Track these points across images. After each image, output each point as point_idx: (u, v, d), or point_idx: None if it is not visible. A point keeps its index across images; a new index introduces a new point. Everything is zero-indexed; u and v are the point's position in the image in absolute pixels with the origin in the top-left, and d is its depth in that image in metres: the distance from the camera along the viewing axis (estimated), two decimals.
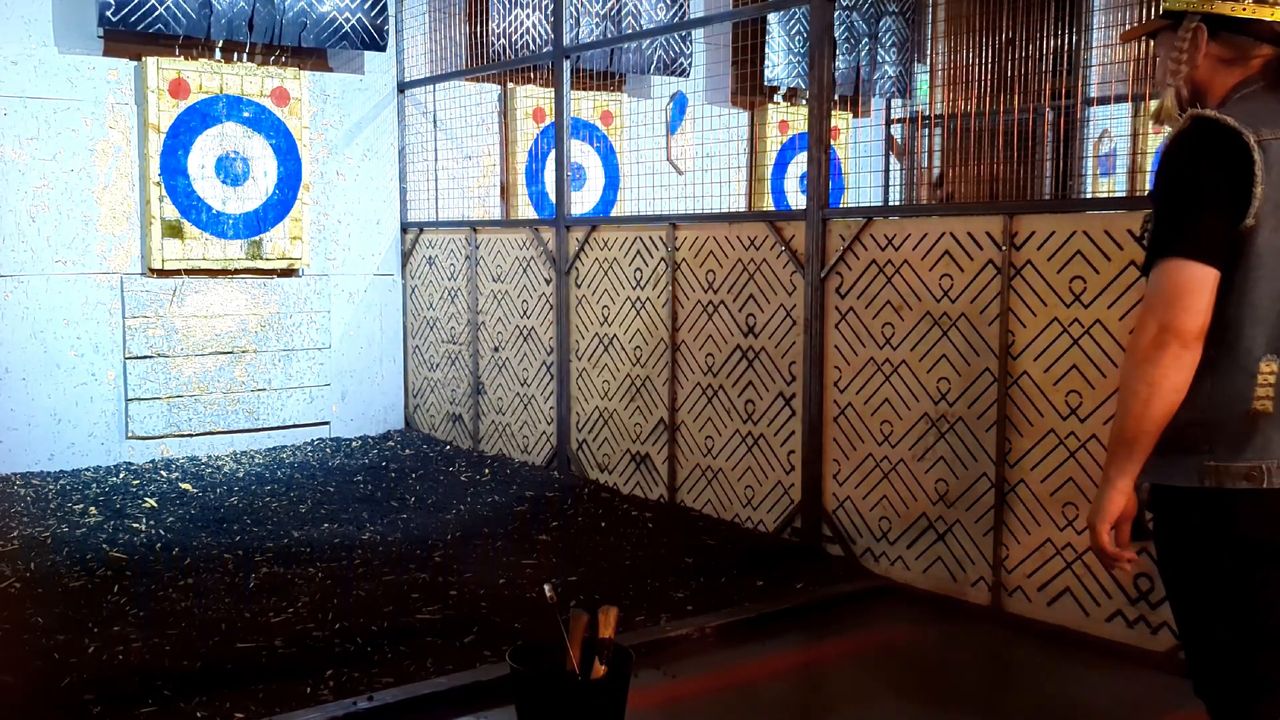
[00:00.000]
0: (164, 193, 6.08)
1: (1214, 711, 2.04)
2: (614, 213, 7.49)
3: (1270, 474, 1.88)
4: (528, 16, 7.02)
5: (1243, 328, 1.88)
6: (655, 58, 7.54)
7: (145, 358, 6.11)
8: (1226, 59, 2.01)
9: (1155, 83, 2.21)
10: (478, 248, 6.49)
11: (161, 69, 6.02)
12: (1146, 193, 4.27)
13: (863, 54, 8.48)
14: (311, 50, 6.64)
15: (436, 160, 7.05)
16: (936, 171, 8.15)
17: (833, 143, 4.73)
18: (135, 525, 4.87)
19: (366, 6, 6.54)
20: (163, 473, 5.86)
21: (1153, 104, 2.96)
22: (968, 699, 3.33)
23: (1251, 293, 1.87)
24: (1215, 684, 2.01)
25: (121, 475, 5.81)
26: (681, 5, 7.57)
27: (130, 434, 6.12)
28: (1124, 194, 7.11)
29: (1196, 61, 2.03)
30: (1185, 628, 2.06)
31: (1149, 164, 7.65)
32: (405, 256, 7.14)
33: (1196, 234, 1.84)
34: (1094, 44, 7.85)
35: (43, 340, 5.88)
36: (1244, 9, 1.97)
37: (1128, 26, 7.22)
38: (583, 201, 7.37)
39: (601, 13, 7.24)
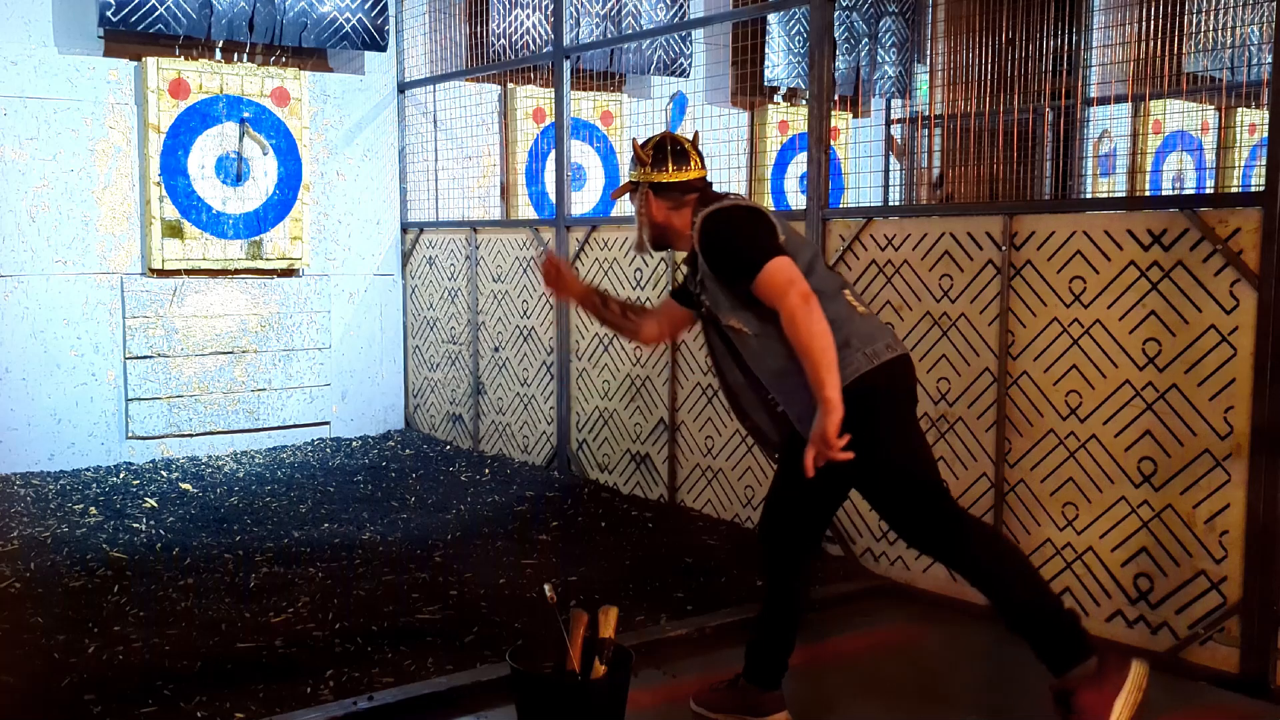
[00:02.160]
0: (164, 193, 6.08)
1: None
2: (614, 213, 7.49)
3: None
4: (528, 16, 7.03)
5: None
6: (655, 58, 7.54)
7: (145, 358, 6.11)
8: (670, 207, 3.01)
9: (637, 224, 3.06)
10: (478, 248, 6.49)
11: (161, 69, 6.02)
12: (1147, 194, 4.27)
13: (863, 54, 8.48)
14: (312, 50, 6.64)
15: (436, 160, 7.06)
16: (936, 171, 8.16)
17: (833, 143, 4.73)
18: (135, 525, 4.87)
19: (366, 7, 6.54)
20: (163, 473, 5.87)
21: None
22: (968, 699, 3.33)
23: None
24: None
25: (121, 475, 5.81)
26: (681, 5, 7.57)
27: (130, 434, 6.12)
28: (1124, 194, 7.12)
29: (650, 211, 3.02)
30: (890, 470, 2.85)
31: (1149, 164, 7.66)
32: (405, 256, 7.14)
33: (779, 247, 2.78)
34: (1094, 44, 7.85)
35: (43, 340, 5.88)
36: (666, 176, 2.99)
37: (1128, 27, 7.22)
38: (583, 201, 7.37)
39: (601, 13, 7.24)
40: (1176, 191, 7.65)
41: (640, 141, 3.08)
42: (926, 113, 8.36)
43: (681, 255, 3.44)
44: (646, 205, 3.03)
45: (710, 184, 3.06)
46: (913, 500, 2.83)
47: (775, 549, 3.03)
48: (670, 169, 3.00)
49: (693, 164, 3.02)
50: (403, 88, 7.05)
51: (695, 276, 3.00)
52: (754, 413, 3.02)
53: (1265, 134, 3.26)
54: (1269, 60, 3.28)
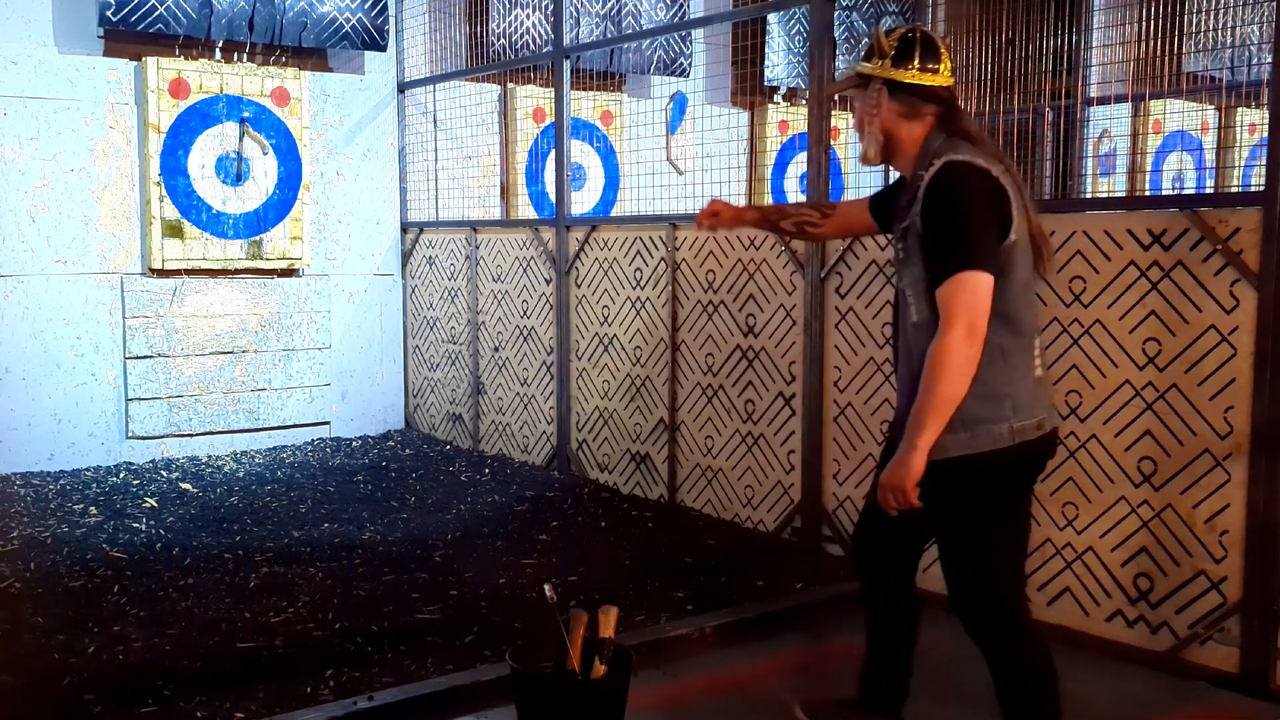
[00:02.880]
0: (164, 193, 6.08)
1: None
2: (614, 213, 7.49)
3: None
4: (528, 16, 7.02)
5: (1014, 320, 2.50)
6: (655, 58, 7.54)
7: (145, 358, 6.11)
8: (903, 114, 2.60)
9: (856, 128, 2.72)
10: (478, 248, 6.49)
11: (161, 69, 6.02)
12: (1148, 194, 4.26)
13: (863, 54, 8.48)
14: (312, 50, 6.64)
15: (436, 160, 7.06)
16: None
17: (833, 143, 4.73)
18: (135, 525, 4.87)
19: (366, 6, 6.54)
20: (163, 473, 5.86)
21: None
22: (969, 699, 3.33)
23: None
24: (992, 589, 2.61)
25: (121, 475, 5.81)
26: (681, 5, 7.57)
27: (130, 434, 6.12)
28: (1124, 194, 7.11)
29: (882, 115, 2.61)
30: (965, 550, 2.63)
31: (1149, 164, 7.66)
32: (405, 256, 7.14)
33: (990, 251, 2.43)
34: (1094, 44, 7.85)
35: (43, 340, 5.88)
36: (910, 76, 2.58)
37: (1128, 27, 7.22)
38: (583, 201, 7.37)
39: (601, 13, 7.24)
40: (1176, 191, 7.64)
41: (884, 30, 2.64)
42: None
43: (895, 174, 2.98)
44: (878, 107, 2.59)
45: (956, 101, 2.61)
46: (980, 580, 2.60)
47: (869, 555, 2.91)
48: (915, 67, 2.55)
49: (944, 68, 2.57)
50: (403, 87, 7.05)
51: (909, 210, 2.53)
52: (900, 386, 2.68)
53: (1265, 134, 3.26)
54: (1269, 60, 3.28)
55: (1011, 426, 2.46)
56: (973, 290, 2.36)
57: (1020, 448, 2.48)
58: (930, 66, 2.57)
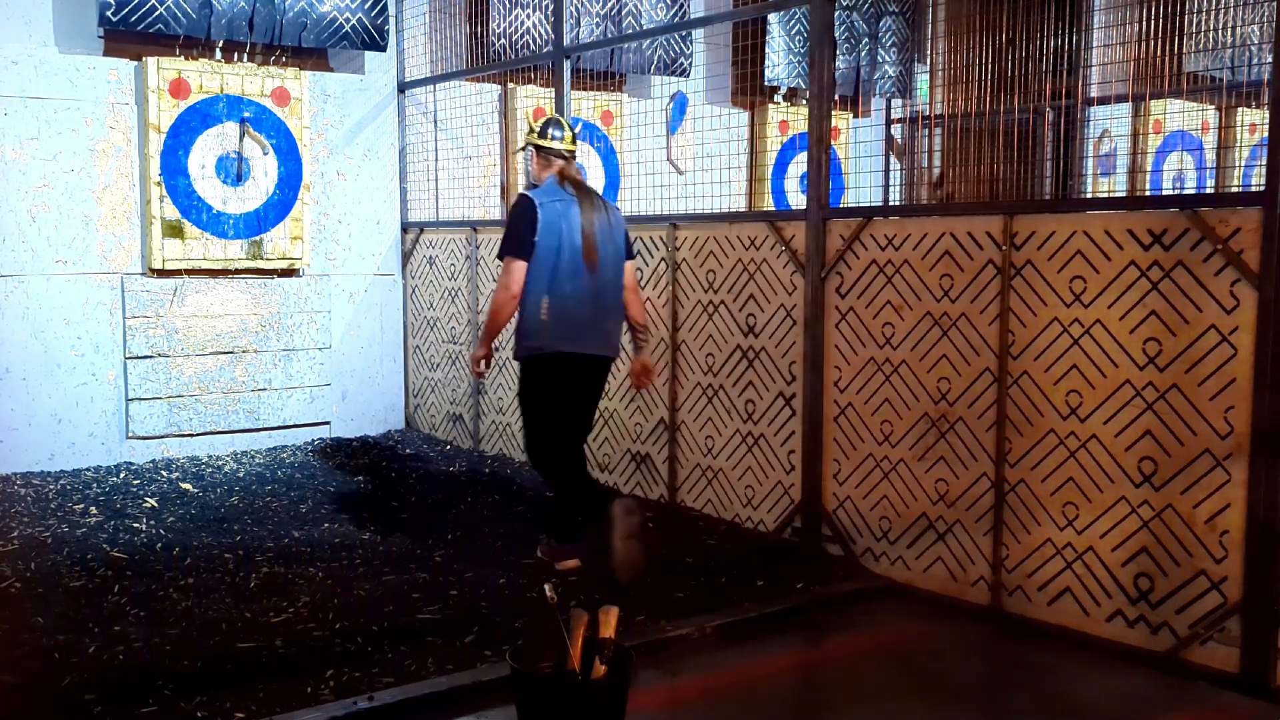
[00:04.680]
0: (164, 193, 6.08)
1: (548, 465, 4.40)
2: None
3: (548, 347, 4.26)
4: (528, 16, 7.03)
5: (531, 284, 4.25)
6: (655, 58, 7.54)
7: (145, 358, 6.11)
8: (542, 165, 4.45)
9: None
10: (478, 248, 6.49)
11: (162, 69, 6.02)
12: (1148, 194, 4.26)
13: (863, 54, 8.48)
14: (312, 50, 6.64)
15: (437, 160, 7.06)
16: (936, 171, 8.16)
17: (833, 143, 4.73)
18: (136, 525, 4.87)
19: (367, 6, 6.54)
20: (163, 473, 5.87)
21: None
22: (968, 699, 3.33)
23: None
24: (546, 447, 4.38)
25: (122, 475, 5.81)
26: (681, 5, 7.57)
27: (131, 434, 6.12)
28: (1124, 194, 7.11)
29: (532, 167, 4.49)
30: (532, 417, 4.37)
31: (1149, 164, 7.66)
32: (405, 256, 7.14)
33: (517, 245, 4.24)
34: (1094, 44, 7.85)
35: (43, 340, 5.88)
36: (546, 141, 4.42)
37: (1128, 27, 7.22)
38: None
39: (601, 13, 7.24)
40: (1176, 191, 7.64)
41: (532, 118, 4.79)
42: (926, 113, 8.36)
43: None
44: (532, 160, 4.47)
45: (571, 158, 4.47)
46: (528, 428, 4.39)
47: (568, 445, 4.48)
48: (549, 138, 4.43)
49: (566, 137, 4.44)
50: (403, 87, 7.05)
51: None
52: None
53: (1265, 134, 3.26)
54: (1269, 60, 3.28)
55: (539, 345, 4.24)
56: (508, 268, 4.24)
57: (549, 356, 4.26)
58: (555, 136, 4.40)
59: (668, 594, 4.03)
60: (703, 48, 7.75)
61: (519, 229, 4.20)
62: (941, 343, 4.11)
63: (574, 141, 4.41)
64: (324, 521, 4.99)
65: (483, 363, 4.40)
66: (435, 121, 7.07)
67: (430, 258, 6.91)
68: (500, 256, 4.26)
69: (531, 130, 4.42)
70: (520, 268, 4.19)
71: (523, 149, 4.52)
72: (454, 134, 7.03)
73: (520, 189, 7.23)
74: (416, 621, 3.73)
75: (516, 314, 4.29)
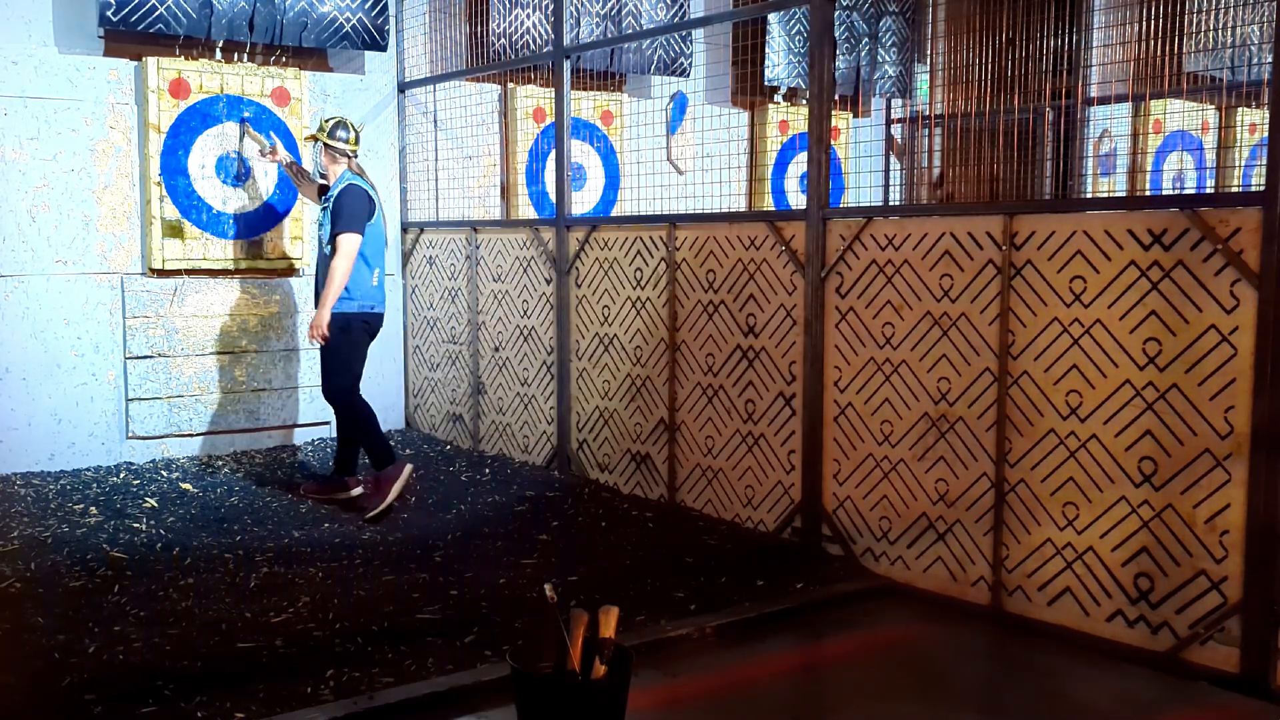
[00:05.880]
0: (164, 192, 6.08)
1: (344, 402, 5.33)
2: (614, 213, 7.50)
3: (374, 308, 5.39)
4: (528, 16, 7.03)
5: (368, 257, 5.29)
6: (655, 58, 7.54)
7: (145, 358, 6.11)
8: (331, 159, 5.43)
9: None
10: (478, 248, 6.49)
11: (162, 69, 6.02)
12: (1148, 194, 4.25)
13: (863, 54, 8.48)
14: (312, 50, 6.64)
15: (437, 160, 7.06)
16: (936, 171, 8.16)
17: (833, 143, 4.73)
18: (136, 525, 4.87)
19: (367, 6, 6.54)
20: (163, 472, 5.87)
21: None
22: (968, 699, 3.33)
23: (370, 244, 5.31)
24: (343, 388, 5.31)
25: (122, 475, 5.81)
26: (681, 5, 7.57)
27: (131, 434, 6.12)
28: (1124, 194, 7.12)
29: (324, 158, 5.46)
30: (346, 365, 5.30)
31: (1149, 164, 7.67)
32: (406, 256, 7.14)
33: (360, 223, 5.20)
34: (1094, 44, 7.85)
35: (43, 340, 5.88)
36: (334, 141, 5.39)
37: (1128, 27, 7.22)
38: (583, 201, 7.38)
39: (601, 13, 7.24)
40: (1176, 191, 7.65)
41: (324, 119, 5.53)
42: (926, 113, 8.36)
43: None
44: (323, 154, 5.41)
45: (355, 156, 5.46)
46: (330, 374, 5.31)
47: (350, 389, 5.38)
48: (338, 138, 5.38)
49: (351, 138, 5.43)
50: (403, 87, 7.05)
51: (330, 201, 5.26)
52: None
53: (1265, 134, 3.26)
54: (1269, 60, 3.28)
55: (372, 304, 5.32)
56: (349, 240, 5.13)
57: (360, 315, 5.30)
58: (341, 137, 5.38)
59: (668, 594, 4.03)
60: (703, 48, 7.75)
61: (358, 211, 5.16)
62: (941, 343, 4.11)
63: (357, 142, 5.43)
64: (324, 521, 5.00)
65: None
66: (435, 121, 7.07)
67: (430, 258, 6.91)
68: (344, 232, 5.12)
69: (322, 130, 5.37)
70: (359, 240, 5.17)
71: (311, 140, 5.64)
72: (454, 134, 7.03)
73: (497, 186, 7.29)
74: (416, 621, 3.73)
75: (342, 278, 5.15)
